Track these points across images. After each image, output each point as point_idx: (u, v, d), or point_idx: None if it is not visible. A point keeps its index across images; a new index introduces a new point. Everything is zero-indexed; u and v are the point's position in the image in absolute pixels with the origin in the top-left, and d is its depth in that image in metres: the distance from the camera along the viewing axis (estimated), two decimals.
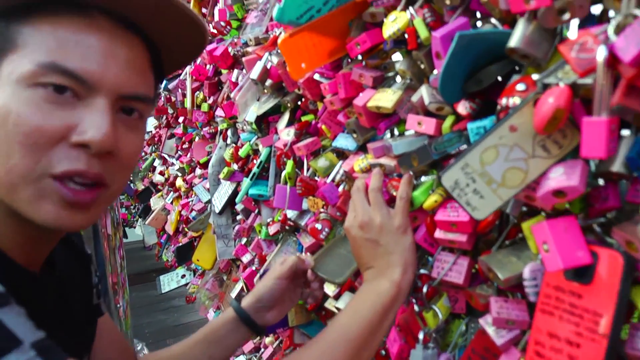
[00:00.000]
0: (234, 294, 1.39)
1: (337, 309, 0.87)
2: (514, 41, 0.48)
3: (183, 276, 2.23)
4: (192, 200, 1.94)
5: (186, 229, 2.05)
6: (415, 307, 0.66)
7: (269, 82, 1.01)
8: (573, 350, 0.43)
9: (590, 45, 0.38)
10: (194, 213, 1.81)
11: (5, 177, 0.43)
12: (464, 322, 0.65)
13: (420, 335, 0.62)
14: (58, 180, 0.44)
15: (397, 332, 0.68)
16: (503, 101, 0.49)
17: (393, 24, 0.63)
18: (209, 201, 1.60)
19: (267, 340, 1.24)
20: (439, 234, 0.60)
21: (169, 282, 2.27)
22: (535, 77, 0.49)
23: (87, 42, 0.45)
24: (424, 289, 0.63)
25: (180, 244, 2.09)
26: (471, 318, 0.64)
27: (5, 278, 0.41)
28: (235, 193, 1.35)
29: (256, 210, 1.24)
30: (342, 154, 0.86)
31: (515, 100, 0.47)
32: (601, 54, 0.37)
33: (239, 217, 1.40)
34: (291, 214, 0.99)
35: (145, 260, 3.88)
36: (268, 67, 0.98)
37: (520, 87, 0.48)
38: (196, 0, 1.48)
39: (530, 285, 0.50)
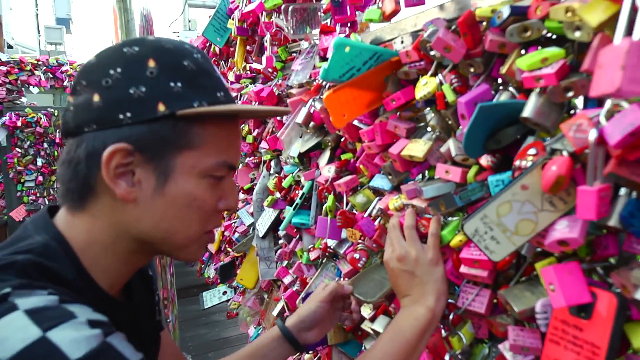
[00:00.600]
0: (275, 312, 1.49)
1: (373, 330, 0.96)
2: (527, 112, 0.57)
3: (224, 293, 2.36)
4: (234, 223, 2.08)
5: (229, 250, 2.18)
6: (443, 332, 0.75)
7: (312, 123, 1.13)
8: None
9: (585, 127, 0.48)
10: (236, 235, 1.94)
11: (181, 241, 0.61)
12: (487, 347, 0.73)
13: (447, 357, 0.71)
14: (208, 234, 0.63)
15: (426, 354, 0.77)
16: (517, 163, 0.58)
17: (424, 87, 0.73)
18: (252, 225, 1.73)
19: (307, 357, 1.33)
20: (463, 269, 0.69)
21: (211, 298, 2.40)
22: (545, 141, 0.58)
23: (237, 143, 0.64)
24: (450, 317, 0.72)
25: (223, 263, 2.22)
26: (493, 343, 0.72)
27: (102, 308, 0.51)
28: (277, 219, 1.47)
29: (297, 236, 1.35)
30: (378, 192, 0.96)
31: (527, 163, 0.57)
32: (592, 135, 0.46)
33: (280, 242, 1.51)
34: (331, 242, 1.10)
35: (186, 276, 4.07)
36: (311, 111, 1.10)
37: (532, 151, 0.57)
38: (241, 53, 1.63)
39: (541, 318, 0.58)
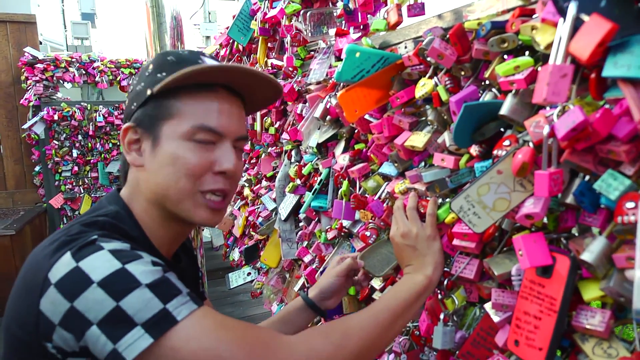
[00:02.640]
0: (296, 288, 1.65)
1: None
2: (503, 110, 0.69)
3: (249, 274, 2.53)
4: (258, 208, 2.24)
5: (252, 233, 2.34)
6: (439, 296, 0.88)
7: (328, 117, 1.26)
8: (537, 322, 0.64)
9: (541, 123, 0.60)
10: (260, 219, 2.10)
11: (174, 195, 0.74)
12: (477, 309, 0.86)
13: (441, 316, 0.85)
14: (203, 194, 0.74)
15: (425, 315, 0.91)
16: (495, 152, 0.70)
17: (422, 87, 0.86)
18: (275, 210, 1.88)
19: None
20: (455, 241, 0.82)
21: (236, 279, 2.58)
22: (519, 134, 0.70)
23: (217, 108, 0.75)
24: (445, 282, 0.85)
25: (247, 246, 2.39)
26: (482, 306, 0.85)
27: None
28: (298, 204, 1.62)
29: (316, 219, 1.49)
30: (386, 177, 1.09)
31: (502, 152, 0.69)
32: (545, 130, 0.58)
33: (301, 224, 1.66)
34: (346, 223, 1.24)
35: (212, 260, 4.29)
36: (328, 106, 1.23)
37: (506, 142, 0.69)
38: (263, 50, 1.76)
39: (516, 279, 0.71)
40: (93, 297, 0.58)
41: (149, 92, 0.73)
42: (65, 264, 0.61)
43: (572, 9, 0.50)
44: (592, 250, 0.59)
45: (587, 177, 0.64)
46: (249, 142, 2.39)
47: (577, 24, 0.50)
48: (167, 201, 0.74)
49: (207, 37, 9.45)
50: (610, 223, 0.59)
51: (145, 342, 0.58)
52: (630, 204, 0.54)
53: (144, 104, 0.74)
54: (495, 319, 0.75)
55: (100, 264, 0.60)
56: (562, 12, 0.51)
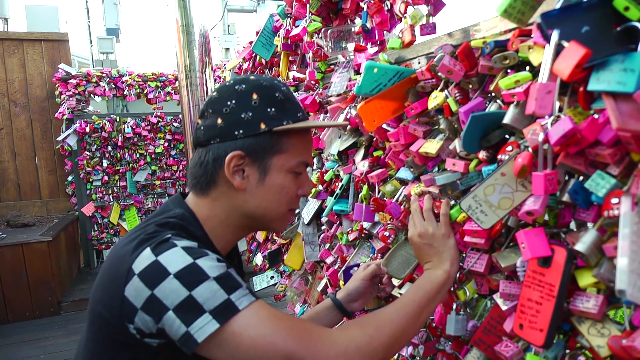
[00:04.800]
0: (319, 289, 1.74)
1: (400, 294, 1.19)
2: (506, 119, 0.78)
3: (272, 277, 2.63)
4: None
5: (275, 238, 2.45)
6: (452, 288, 0.96)
7: (348, 126, 1.36)
8: (538, 306, 0.73)
9: (537, 131, 0.68)
10: None
11: (273, 216, 0.88)
12: (487, 301, 0.94)
13: (454, 306, 0.93)
14: (288, 212, 0.90)
15: (440, 306, 0.99)
16: (499, 156, 0.79)
17: (434, 99, 0.95)
18: (298, 214, 1.98)
19: None
20: (467, 238, 0.91)
21: (260, 282, 2.69)
22: (520, 141, 0.79)
23: (311, 147, 0.92)
24: (457, 275, 0.94)
25: (271, 250, 2.50)
26: (492, 297, 0.93)
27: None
28: (320, 208, 1.72)
29: (338, 222, 1.59)
30: (403, 182, 1.18)
31: (505, 157, 0.78)
32: (540, 137, 0.67)
33: (323, 227, 1.76)
34: (366, 224, 1.33)
35: None
36: (348, 117, 1.33)
37: (509, 148, 0.78)
38: (285, 64, 1.88)
39: (520, 270, 0.79)
40: (170, 287, 0.70)
41: (263, 126, 0.83)
42: (146, 257, 0.72)
43: (554, 37, 0.59)
44: (584, 242, 0.67)
45: (580, 178, 0.72)
46: None
47: (559, 49, 0.59)
48: (262, 218, 0.88)
49: (227, 49, 9.70)
50: (600, 217, 0.67)
51: (212, 327, 0.69)
52: (614, 200, 0.62)
53: (255, 135, 0.83)
54: (504, 307, 0.83)
55: (175, 258, 0.72)
56: (547, 39, 0.60)
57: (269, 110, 0.84)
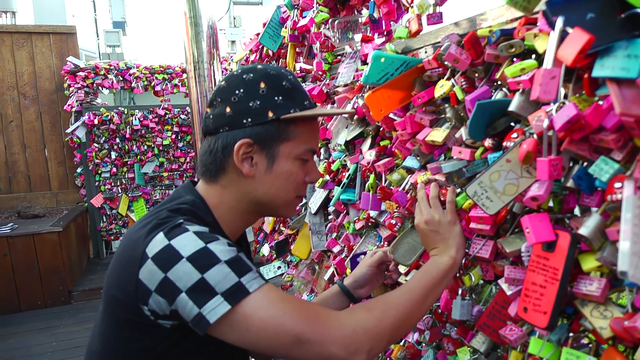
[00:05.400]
0: (326, 277, 1.77)
1: (407, 281, 1.20)
2: (512, 107, 0.79)
3: (279, 267, 2.66)
4: None
5: (282, 229, 2.48)
6: (457, 273, 0.98)
7: (355, 116, 1.38)
8: (542, 290, 0.74)
9: (542, 117, 0.70)
10: None
11: (281, 202, 0.90)
12: (492, 286, 0.96)
13: (459, 291, 0.95)
14: (296, 198, 0.91)
15: (445, 291, 1.01)
16: (505, 143, 0.80)
17: (441, 88, 0.96)
18: (305, 204, 2.00)
19: None
20: (472, 225, 0.92)
21: (267, 272, 2.72)
22: (525, 128, 0.80)
23: (317, 135, 0.93)
24: (463, 261, 0.96)
25: (278, 240, 2.52)
26: (497, 282, 0.95)
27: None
28: (327, 198, 1.74)
29: (345, 211, 1.61)
30: (409, 170, 1.20)
31: (510, 143, 0.79)
32: (545, 123, 0.68)
33: (330, 217, 1.78)
34: (373, 213, 1.35)
35: None
36: (355, 106, 1.35)
37: (514, 135, 0.79)
38: (292, 55, 1.89)
39: (525, 255, 0.81)
40: (183, 269, 0.72)
41: (270, 114, 0.84)
42: (159, 241, 0.75)
43: (559, 23, 0.60)
44: (587, 226, 0.68)
45: (584, 164, 0.73)
46: None
47: (564, 35, 0.60)
48: (270, 204, 0.90)
49: (233, 42, 9.69)
50: (604, 202, 0.69)
51: (224, 308, 0.71)
52: (617, 184, 0.63)
53: (263, 124, 0.85)
54: (508, 292, 0.84)
55: (187, 242, 0.74)
56: (552, 25, 0.61)
57: (276, 98, 0.85)
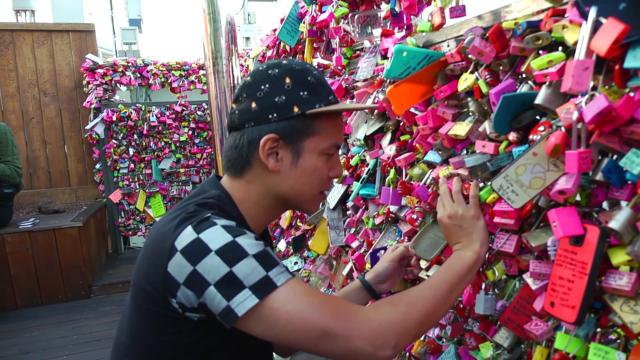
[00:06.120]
0: (344, 272, 1.77)
1: (428, 276, 1.20)
2: (538, 100, 0.78)
3: (296, 263, 2.67)
4: None
5: (299, 224, 2.49)
6: (480, 268, 0.98)
7: (375, 111, 1.38)
8: (570, 284, 0.74)
9: (571, 110, 0.69)
10: None
11: (306, 196, 0.91)
12: (516, 281, 0.95)
13: (483, 286, 0.94)
14: (320, 193, 0.92)
15: (468, 286, 1.00)
16: (531, 137, 0.80)
17: (464, 82, 0.96)
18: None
19: None
20: (496, 219, 0.92)
21: None
22: (552, 121, 0.79)
23: (342, 130, 0.94)
24: (486, 255, 0.95)
25: (295, 236, 2.53)
26: (521, 277, 0.94)
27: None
28: (345, 193, 1.74)
29: (364, 206, 1.61)
30: (431, 165, 1.19)
31: (537, 137, 0.78)
32: (575, 115, 0.67)
33: (348, 212, 1.78)
34: (393, 208, 1.34)
35: None
36: (375, 101, 1.34)
37: (541, 128, 0.78)
38: (309, 50, 1.89)
39: (551, 250, 0.80)
40: (211, 263, 0.73)
41: (296, 109, 0.85)
42: (188, 234, 0.76)
43: (592, 13, 0.59)
44: (617, 219, 0.67)
45: (614, 157, 0.72)
46: None
47: (597, 26, 0.59)
48: (295, 199, 0.91)
49: (247, 39, 9.72)
50: (635, 195, 0.68)
51: (252, 302, 0.72)
52: None
53: (288, 119, 0.85)
54: (534, 287, 0.84)
55: (216, 236, 0.75)
56: (584, 16, 0.60)
57: (301, 93, 0.86)
